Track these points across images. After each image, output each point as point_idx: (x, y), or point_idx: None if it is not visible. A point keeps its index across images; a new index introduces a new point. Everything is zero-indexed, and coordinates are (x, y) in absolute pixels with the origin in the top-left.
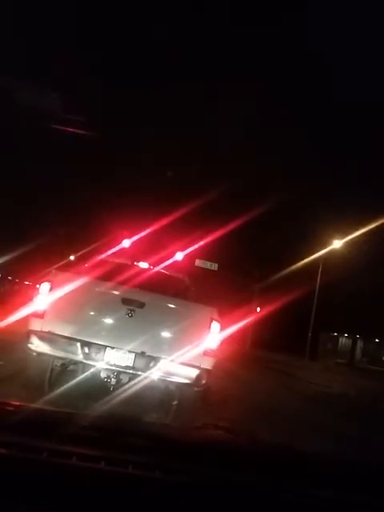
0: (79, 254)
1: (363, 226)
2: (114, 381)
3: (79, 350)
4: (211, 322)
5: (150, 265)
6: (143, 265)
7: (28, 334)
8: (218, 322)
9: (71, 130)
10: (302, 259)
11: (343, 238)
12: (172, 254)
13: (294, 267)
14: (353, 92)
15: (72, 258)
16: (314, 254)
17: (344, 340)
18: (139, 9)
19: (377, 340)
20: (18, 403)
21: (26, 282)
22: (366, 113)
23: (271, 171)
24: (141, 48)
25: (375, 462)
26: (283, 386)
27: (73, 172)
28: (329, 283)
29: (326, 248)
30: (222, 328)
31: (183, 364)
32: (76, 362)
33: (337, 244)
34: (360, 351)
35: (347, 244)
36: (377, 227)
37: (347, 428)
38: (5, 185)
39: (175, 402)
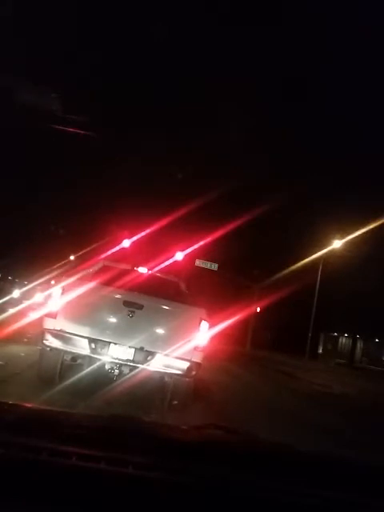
0: (79, 254)
1: (363, 225)
2: (116, 372)
3: (87, 346)
4: (201, 321)
5: (148, 269)
6: (142, 270)
7: (43, 332)
8: (207, 321)
9: (71, 130)
10: (302, 259)
11: (343, 237)
12: (172, 255)
13: (293, 267)
14: (354, 91)
15: (72, 257)
16: (313, 254)
17: (344, 340)
18: (139, 9)
19: (377, 340)
20: (17, 403)
21: (25, 282)
22: (365, 112)
23: (271, 171)
24: (141, 49)
25: (375, 462)
26: (283, 386)
27: (73, 172)
28: (329, 283)
29: (325, 248)
30: (211, 326)
31: (176, 358)
32: (84, 356)
33: (337, 244)
34: (360, 351)
35: (347, 244)
36: (377, 227)
37: (347, 428)
38: (5, 185)
39: (175, 402)
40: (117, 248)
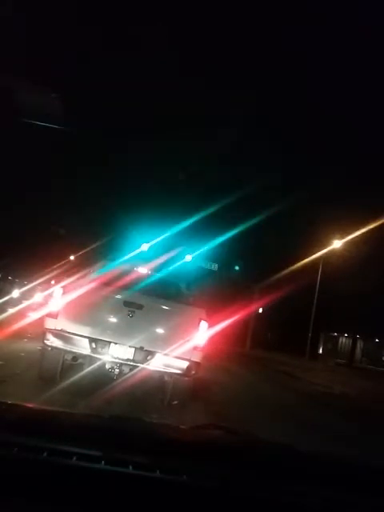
0: (79, 253)
1: (363, 225)
2: (116, 371)
3: (87, 345)
4: (200, 321)
5: (148, 270)
6: (142, 270)
7: (44, 332)
8: (206, 321)
9: (71, 130)
10: (302, 259)
11: (343, 237)
12: (176, 256)
13: (294, 267)
14: (353, 91)
15: (72, 257)
16: (313, 254)
17: (344, 340)
18: (140, 9)
19: (377, 340)
20: (17, 403)
21: (25, 282)
22: (365, 112)
23: (272, 172)
24: (141, 50)
25: (375, 462)
26: (283, 386)
27: (73, 172)
28: (329, 283)
29: (326, 248)
30: (211, 326)
31: (176, 357)
32: (84, 356)
33: (337, 244)
34: (360, 351)
35: (347, 244)
36: (377, 227)
37: (347, 428)
38: (5, 185)
39: (175, 402)
40: (135, 251)
